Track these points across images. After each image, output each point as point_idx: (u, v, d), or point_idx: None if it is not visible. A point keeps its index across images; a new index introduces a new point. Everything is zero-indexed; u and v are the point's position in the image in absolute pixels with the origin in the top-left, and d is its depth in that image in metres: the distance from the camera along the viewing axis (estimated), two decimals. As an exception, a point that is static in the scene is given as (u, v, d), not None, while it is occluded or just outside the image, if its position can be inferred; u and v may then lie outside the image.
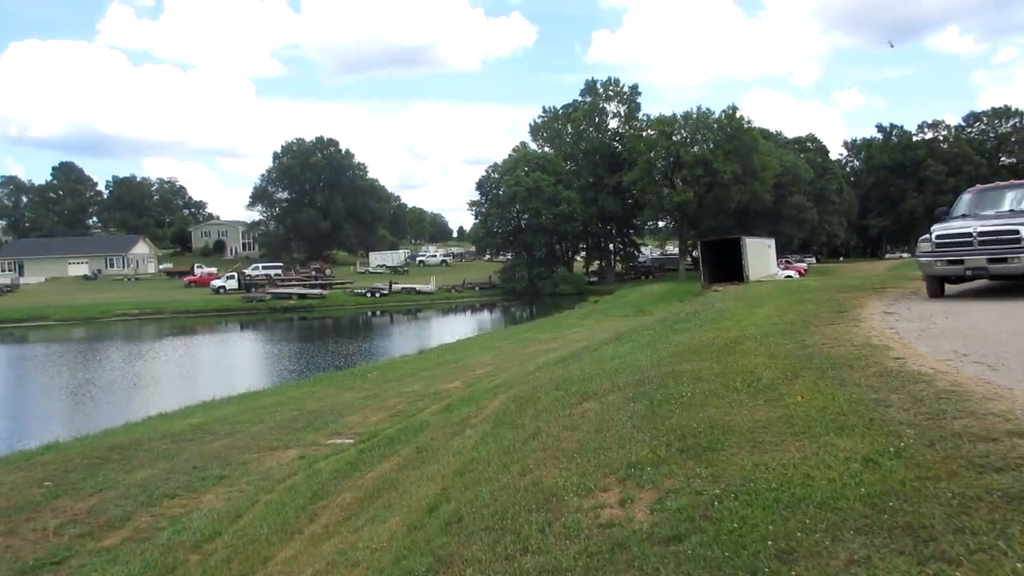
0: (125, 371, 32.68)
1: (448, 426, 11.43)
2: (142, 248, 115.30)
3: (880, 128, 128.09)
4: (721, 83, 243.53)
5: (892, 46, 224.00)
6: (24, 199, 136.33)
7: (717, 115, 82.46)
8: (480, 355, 23.85)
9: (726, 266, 50.52)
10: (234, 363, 37.74)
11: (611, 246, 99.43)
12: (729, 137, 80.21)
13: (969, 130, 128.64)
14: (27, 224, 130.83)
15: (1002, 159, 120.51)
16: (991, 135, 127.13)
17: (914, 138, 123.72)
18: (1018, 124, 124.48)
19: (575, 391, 8.58)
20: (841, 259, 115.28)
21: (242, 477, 10.50)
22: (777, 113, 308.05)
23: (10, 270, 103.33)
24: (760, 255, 53.26)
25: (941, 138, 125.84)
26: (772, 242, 60.66)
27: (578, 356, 14.02)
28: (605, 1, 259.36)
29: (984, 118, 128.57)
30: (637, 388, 7.53)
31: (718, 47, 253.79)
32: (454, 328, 52.31)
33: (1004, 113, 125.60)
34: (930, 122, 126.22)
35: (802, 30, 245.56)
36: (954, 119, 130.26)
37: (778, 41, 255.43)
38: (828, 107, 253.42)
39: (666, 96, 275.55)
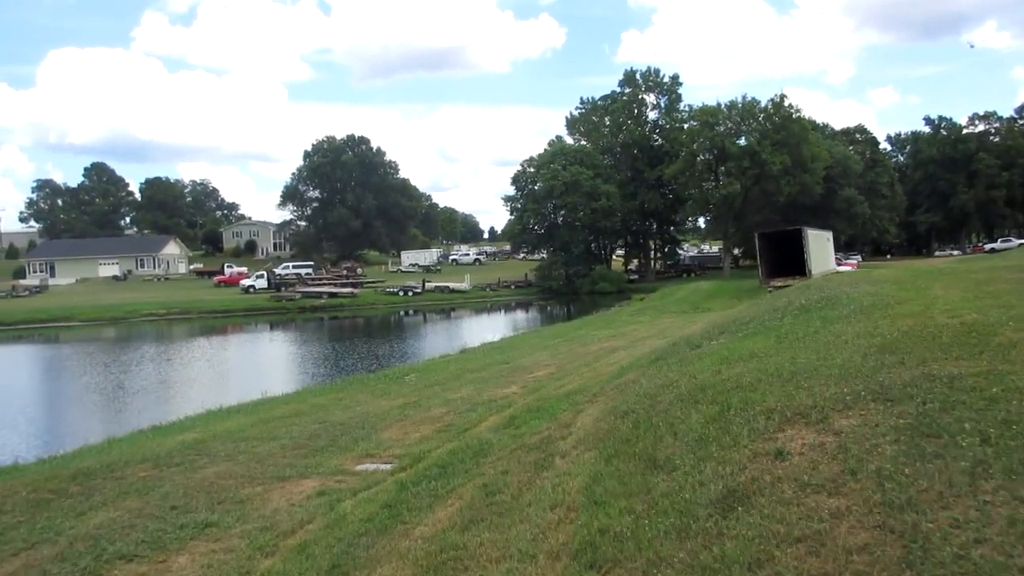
0: (135, 375, 29.70)
1: (522, 450, 8.27)
2: (173, 248, 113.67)
3: (928, 121, 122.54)
4: (753, 82, 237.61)
5: (972, 47, 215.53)
6: (60, 202, 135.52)
7: (763, 104, 78.25)
8: (533, 355, 20.61)
9: (784, 260, 46.83)
10: (256, 365, 34.75)
11: (651, 243, 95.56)
12: (777, 127, 75.93)
13: (1022, 122, 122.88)
14: (62, 227, 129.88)
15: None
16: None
17: (964, 131, 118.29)
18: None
19: (743, 406, 5.36)
20: (888, 256, 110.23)
21: (235, 525, 7.38)
22: (811, 112, 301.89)
23: (41, 271, 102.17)
24: (821, 248, 49.51)
25: (993, 131, 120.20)
26: (830, 235, 56.72)
27: (680, 356, 10.74)
28: (634, 1, 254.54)
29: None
30: (892, 406, 4.29)
31: (749, 46, 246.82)
32: (493, 326, 49.11)
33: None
34: (981, 114, 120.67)
35: (835, 27, 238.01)
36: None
37: (810, 39, 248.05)
38: (863, 105, 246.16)
39: (697, 95, 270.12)
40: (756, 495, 3.62)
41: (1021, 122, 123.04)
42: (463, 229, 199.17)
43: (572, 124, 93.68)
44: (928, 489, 3.09)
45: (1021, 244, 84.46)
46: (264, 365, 34.37)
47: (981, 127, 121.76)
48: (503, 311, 69.65)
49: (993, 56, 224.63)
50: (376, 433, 11.38)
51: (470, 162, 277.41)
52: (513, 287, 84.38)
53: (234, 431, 12.25)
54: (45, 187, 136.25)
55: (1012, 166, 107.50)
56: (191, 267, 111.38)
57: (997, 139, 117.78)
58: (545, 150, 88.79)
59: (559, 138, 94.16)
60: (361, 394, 15.87)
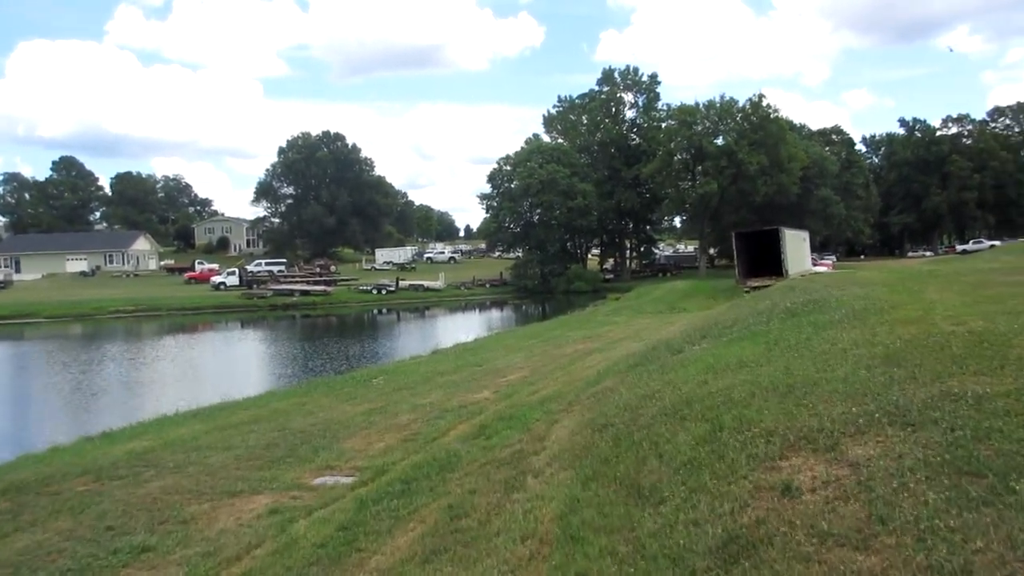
0: (95, 376, 28.38)
1: (492, 465, 7.64)
2: (143, 244, 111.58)
3: (903, 123, 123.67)
4: (730, 83, 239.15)
5: (952, 50, 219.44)
6: (27, 196, 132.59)
7: (741, 104, 78.15)
8: (507, 357, 19.99)
9: (760, 260, 46.49)
10: (222, 365, 33.71)
11: (627, 242, 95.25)
12: (754, 127, 75.87)
13: (993, 125, 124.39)
14: (28, 221, 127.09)
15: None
16: (1016, 129, 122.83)
17: (937, 133, 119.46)
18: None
19: (737, 426, 4.78)
20: (862, 257, 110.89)
21: (175, 549, 6.69)
22: (787, 113, 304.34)
23: (6, 266, 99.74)
24: (797, 248, 49.28)
25: (965, 133, 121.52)
26: (806, 235, 56.57)
27: (660, 362, 10.17)
28: (613, 0, 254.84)
29: (1008, 112, 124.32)
30: (914, 432, 3.73)
31: (727, 47, 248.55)
32: (467, 326, 48.38)
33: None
34: (954, 116, 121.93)
35: (812, 30, 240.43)
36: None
37: (788, 41, 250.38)
38: (837, 107, 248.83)
39: (675, 95, 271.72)
40: (764, 545, 3.03)
41: (993, 125, 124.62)
42: (439, 227, 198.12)
43: (549, 122, 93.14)
44: (984, 550, 2.51)
45: (992, 246, 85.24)
46: (230, 365, 33.38)
47: (954, 129, 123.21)
48: (478, 310, 68.97)
49: (965, 60, 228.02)
50: (338, 442, 10.69)
51: (447, 160, 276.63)
52: (488, 286, 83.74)
53: (187, 439, 11.49)
54: (12, 180, 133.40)
55: (984, 168, 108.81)
56: (162, 263, 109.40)
57: (969, 141, 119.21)
58: (522, 148, 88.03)
59: (536, 136, 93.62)
60: (325, 398, 15.13)
